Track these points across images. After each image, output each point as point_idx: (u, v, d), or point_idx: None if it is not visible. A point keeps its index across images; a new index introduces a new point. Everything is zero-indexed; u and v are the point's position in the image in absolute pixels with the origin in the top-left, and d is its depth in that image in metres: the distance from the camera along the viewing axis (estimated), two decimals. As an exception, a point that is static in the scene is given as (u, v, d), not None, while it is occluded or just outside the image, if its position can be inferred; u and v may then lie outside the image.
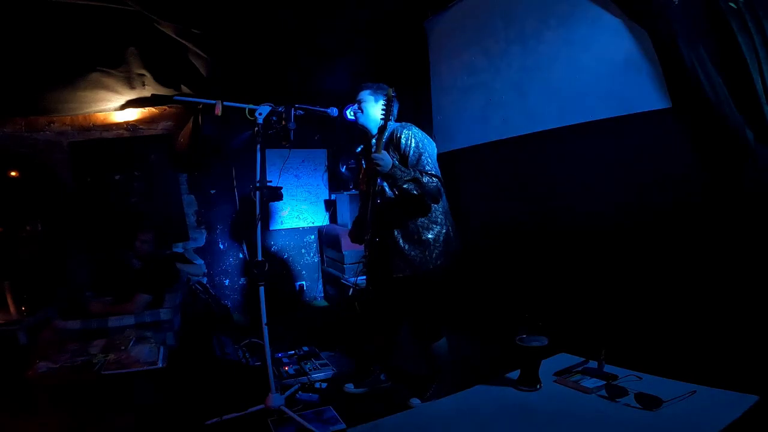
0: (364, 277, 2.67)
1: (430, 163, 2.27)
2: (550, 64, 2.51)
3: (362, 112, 2.42)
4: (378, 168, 2.13)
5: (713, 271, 1.88)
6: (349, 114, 2.48)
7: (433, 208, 2.34)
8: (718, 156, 1.85)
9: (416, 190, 2.18)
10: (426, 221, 2.33)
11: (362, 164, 2.61)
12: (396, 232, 2.34)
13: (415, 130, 2.34)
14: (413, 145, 2.27)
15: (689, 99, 1.88)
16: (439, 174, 2.28)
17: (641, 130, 2.11)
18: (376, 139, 2.21)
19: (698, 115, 1.86)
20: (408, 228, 2.33)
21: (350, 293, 2.83)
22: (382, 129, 2.19)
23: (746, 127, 1.73)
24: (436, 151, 2.38)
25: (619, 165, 2.25)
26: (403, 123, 2.40)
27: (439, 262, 2.33)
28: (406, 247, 2.32)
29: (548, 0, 2.50)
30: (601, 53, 2.24)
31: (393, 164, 2.16)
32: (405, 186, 2.17)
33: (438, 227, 2.34)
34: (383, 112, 2.14)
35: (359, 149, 2.66)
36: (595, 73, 2.27)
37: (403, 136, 2.29)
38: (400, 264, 2.34)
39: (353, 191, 4.27)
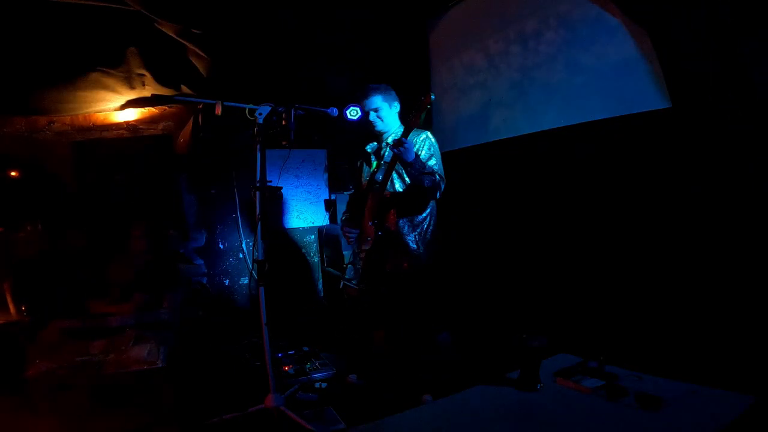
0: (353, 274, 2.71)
1: (438, 164, 2.40)
2: (550, 64, 2.51)
3: (382, 120, 2.50)
4: (402, 154, 2.19)
5: (713, 272, 1.88)
6: (350, 114, 2.48)
7: (430, 207, 2.47)
8: (718, 156, 1.85)
9: (428, 183, 2.29)
10: (424, 218, 2.46)
11: (371, 162, 2.62)
12: (400, 227, 2.43)
13: (431, 134, 2.48)
14: (426, 146, 2.41)
15: (689, 99, 1.88)
16: (444, 176, 2.41)
17: (641, 130, 2.10)
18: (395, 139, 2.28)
19: (698, 115, 1.86)
20: (413, 223, 2.44)
21: (341, 286, 2.83)
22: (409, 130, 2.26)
23: (746, 127, 1.73)
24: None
25: (618, 165, 2.25)
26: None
27: (431, 261, 2.45)
28: (410, 242, 2.41)
29: (548, 0, 2.50)
30: (601, 53, 2.23)
31: (416, 153, 2.27)
32: (422, 177, 2.27)
33: (432, 227, 2.48)
34: (413, 117, 2.19)
35: (370, 148, 2.66)
36: (595, 73, 2.27)
37: (420, 137, 2.43)
38: (400, 259, 2.41)
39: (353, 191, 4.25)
